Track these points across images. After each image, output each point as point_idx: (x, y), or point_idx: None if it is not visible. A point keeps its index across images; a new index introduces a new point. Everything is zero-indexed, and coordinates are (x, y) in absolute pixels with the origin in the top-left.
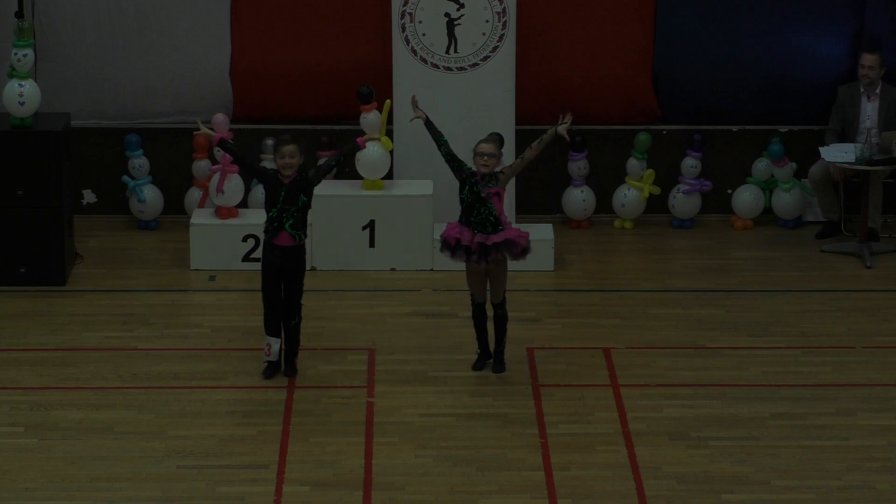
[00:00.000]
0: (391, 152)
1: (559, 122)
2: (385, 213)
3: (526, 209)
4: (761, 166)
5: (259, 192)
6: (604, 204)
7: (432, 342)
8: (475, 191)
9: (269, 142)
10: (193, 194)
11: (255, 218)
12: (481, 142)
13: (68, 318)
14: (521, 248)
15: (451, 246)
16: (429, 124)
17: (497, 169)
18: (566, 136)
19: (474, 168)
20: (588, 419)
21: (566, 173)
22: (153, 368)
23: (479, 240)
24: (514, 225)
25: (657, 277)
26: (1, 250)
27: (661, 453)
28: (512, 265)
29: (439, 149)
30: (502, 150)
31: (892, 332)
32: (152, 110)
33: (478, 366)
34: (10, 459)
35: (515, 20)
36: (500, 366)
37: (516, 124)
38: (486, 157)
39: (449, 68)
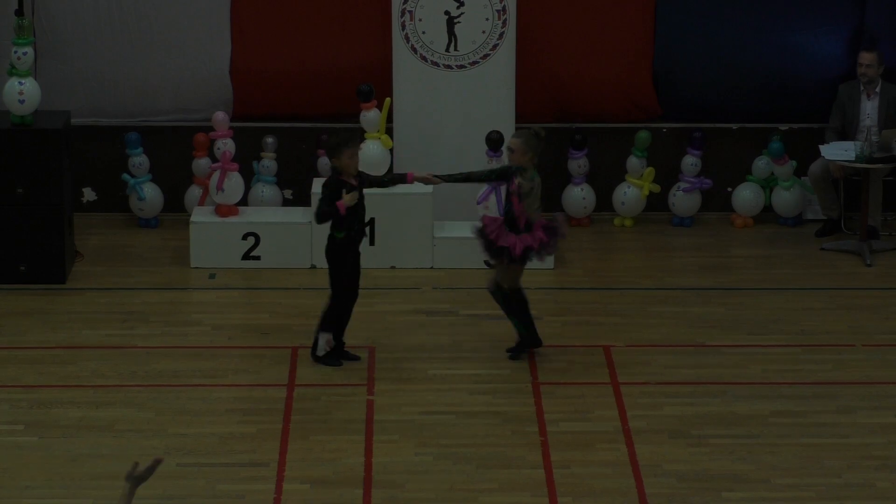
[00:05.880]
0: (391, 150)
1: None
2: (385, 211)
3: None
4: (761, 164)
5: (259, 190)
6: (604, 202)
7: (432, 340)
8: (509, 188)
9: (270, 140)
10: (193, 192)
11: (255, 216)
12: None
13: (68, 315)
14: (509, 256)
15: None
16: (448, 178)
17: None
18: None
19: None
20: (588, 417)
21: (566, 171)
22: (153, 366)
23: (503, 243)
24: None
25: (657, 275)
26: (1, 248)
27: (661, 451)
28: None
29: (480, 181)
30: (529, 145)
31: (893, 330)
32: (152, 108)
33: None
34: (10, 457)
35: (515, 18)
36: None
37: (516, 122)
38: (508, 152)
39: (449, 66)
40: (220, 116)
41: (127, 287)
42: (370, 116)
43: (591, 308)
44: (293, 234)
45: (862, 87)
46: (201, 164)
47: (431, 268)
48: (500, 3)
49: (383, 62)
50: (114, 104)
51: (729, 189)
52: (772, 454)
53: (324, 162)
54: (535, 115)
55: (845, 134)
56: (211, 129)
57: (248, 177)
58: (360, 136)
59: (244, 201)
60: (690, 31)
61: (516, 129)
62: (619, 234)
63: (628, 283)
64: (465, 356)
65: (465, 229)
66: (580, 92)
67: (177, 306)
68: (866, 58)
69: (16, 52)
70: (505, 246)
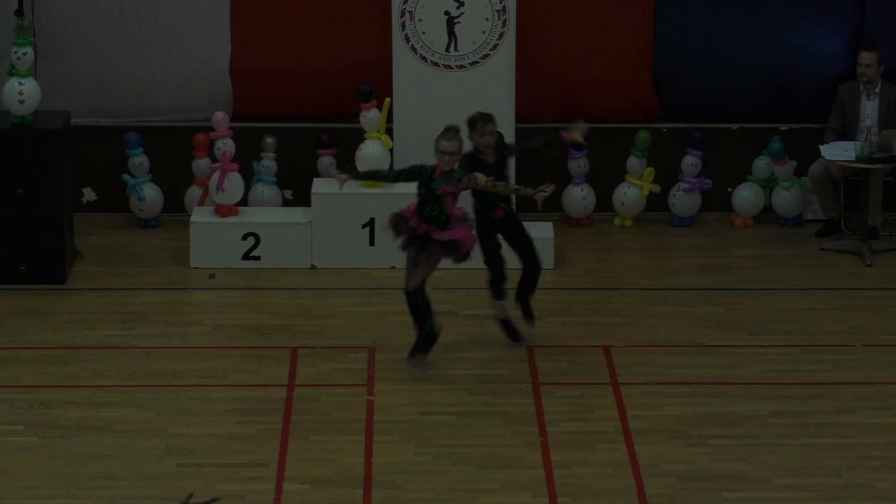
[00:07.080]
0: (391, 150)
1: (540, 189)
2: (385, 211)
3: (525, 207)
4: (761, 164)
5: (259, 190)
6: (604, 202)
7: None
8: (431, 187)
9: (269, 140)
10: (193, 192)
11: (255, 216)
12: (442, 139)
13: (68, 316)
14: (462, 252)
15: (400, 224)
16: (360, 176)
17: (457, 166)
18: (538, 203)
19: (436, 164)
20: (588, 417)
21: (566, 171)
22: (153, 366)
23: (424, 230)
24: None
25: (657, 275)
26: (1, 248)
27: (661, 451)
28: (511, 263)
29: (388, 180)
30: (461, 144)
31: (892, 331)
32: (152, 108)
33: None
34: (10, 458)
35: (515, 18)
36: (413, 353)
37: (516, 122)
38: (447, 156)
39: (449, 66)
40: (220, 116)
41: (127, 287)
42: (370, 116)
43: (591, 308)
44: (293, 234)
45: (862, 87)
46: (201, 164)
47: None
48: (500, 3)
49: (383, 62)
50: (114, 104)
51: (729, 189)
52: (772, 454)
53: (324, 162)
54: (535, 114)
55: (845, 134)
56: (211, 129)
57: (248, 177)
58: (492, 116)
59: (244, 201)
60: (690, 31)
61: (445, 128)
62: (619, 234)
63: (628, 283)
64: (465, 356)
65: None
66: (580, 92)
67: (177, 306)
68: (866, 57)
69: (16, 52)
70: (455, 239)
